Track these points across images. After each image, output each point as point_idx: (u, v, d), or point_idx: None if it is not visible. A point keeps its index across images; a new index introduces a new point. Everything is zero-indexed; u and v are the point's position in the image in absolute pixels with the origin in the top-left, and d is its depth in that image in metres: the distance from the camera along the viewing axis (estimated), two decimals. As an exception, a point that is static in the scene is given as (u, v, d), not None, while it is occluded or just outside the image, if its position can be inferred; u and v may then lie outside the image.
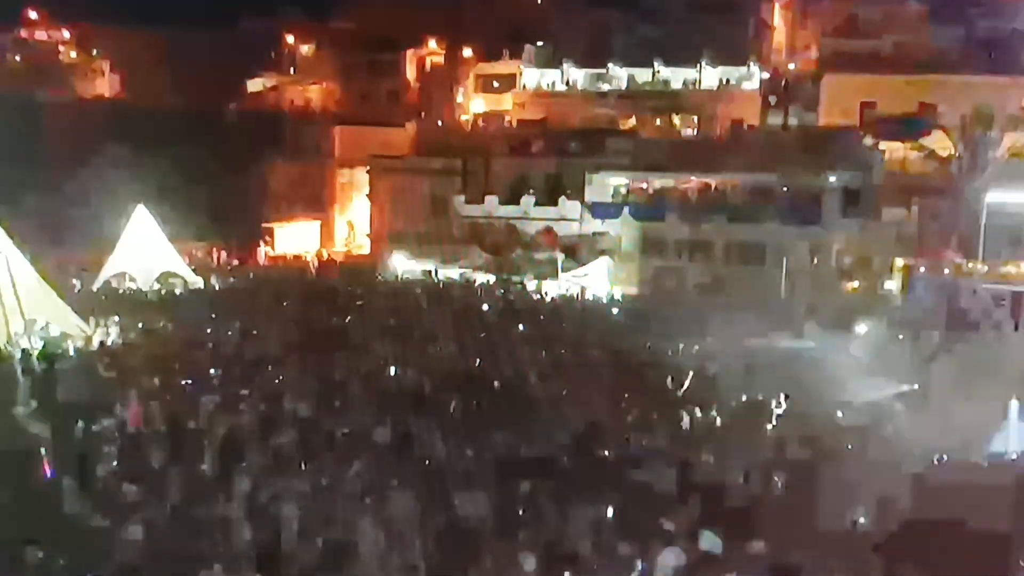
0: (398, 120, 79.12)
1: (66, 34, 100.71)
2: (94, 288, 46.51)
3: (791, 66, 78.43)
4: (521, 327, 39.94)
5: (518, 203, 61.26)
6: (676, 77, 73.96)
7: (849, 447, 24.67)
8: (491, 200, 62.25)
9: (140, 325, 37.59)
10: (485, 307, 45.52)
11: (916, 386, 31.01)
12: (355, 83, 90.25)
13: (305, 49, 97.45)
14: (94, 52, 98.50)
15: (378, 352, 33.89)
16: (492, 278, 54.17)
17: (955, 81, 62.41)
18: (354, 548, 17.37)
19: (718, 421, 27.28)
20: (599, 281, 54.21)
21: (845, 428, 26.71)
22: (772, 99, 71.26)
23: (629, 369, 32.67)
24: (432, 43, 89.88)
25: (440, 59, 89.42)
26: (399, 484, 19.90)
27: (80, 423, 23.74)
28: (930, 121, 59.60)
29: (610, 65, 75.53)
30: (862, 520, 19.27)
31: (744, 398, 29.37)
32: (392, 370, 31.40)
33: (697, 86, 73.39)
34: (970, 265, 39.22)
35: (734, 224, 54.44)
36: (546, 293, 51.00)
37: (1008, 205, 37.58)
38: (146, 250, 48.12)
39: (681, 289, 52.87)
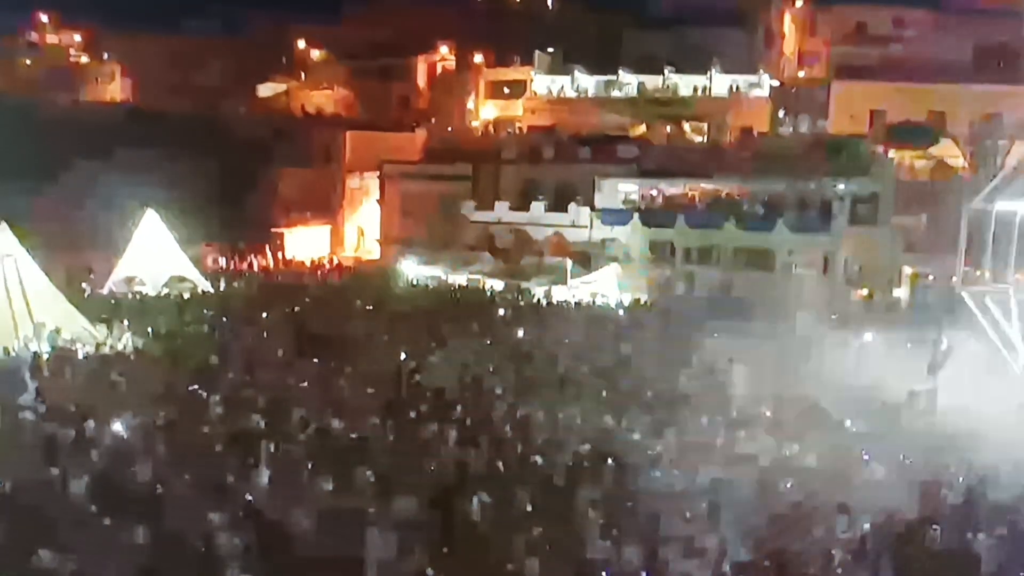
0: (409, 126, 79.30)
1: (77, 37, 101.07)
2: (103, 292, 46.61)
3: (801, 74, 78.51)
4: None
5: (528, 209, 61.30)
6: (686, 84, 74.02)
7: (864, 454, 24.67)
8: (501, 206, 62.27)
9: (149, 329, 37.68)
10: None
11: (923, 393, 31.02)
12: (366, 88, 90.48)
13: (316, 54, 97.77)
14: (105, 56, 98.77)
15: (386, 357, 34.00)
16: (502, 284, 54.27)
17: (964, 89, 62.41)
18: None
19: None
20: (608, 287, 54.24)
21: (854, 435, 26.72)
22: (781, 107, 71.25)
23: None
24: (443, 49, 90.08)
25: (451, 65, 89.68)
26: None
27: (90, 426, 23.86)
28: (939, 129, 59.55)
29: (620, 72, 75.59)
30: (867, 527, 19.32)
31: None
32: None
33: (707, 93, 73.42)
34: (978, 273, 39.10)
35: (743, 231, 54.41)
36: (550, 299, 51.09)
37: (1017, 214, 37.43)
38: (155, 254, 48.23)
39: (690, 295, 52.86)
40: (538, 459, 23.00)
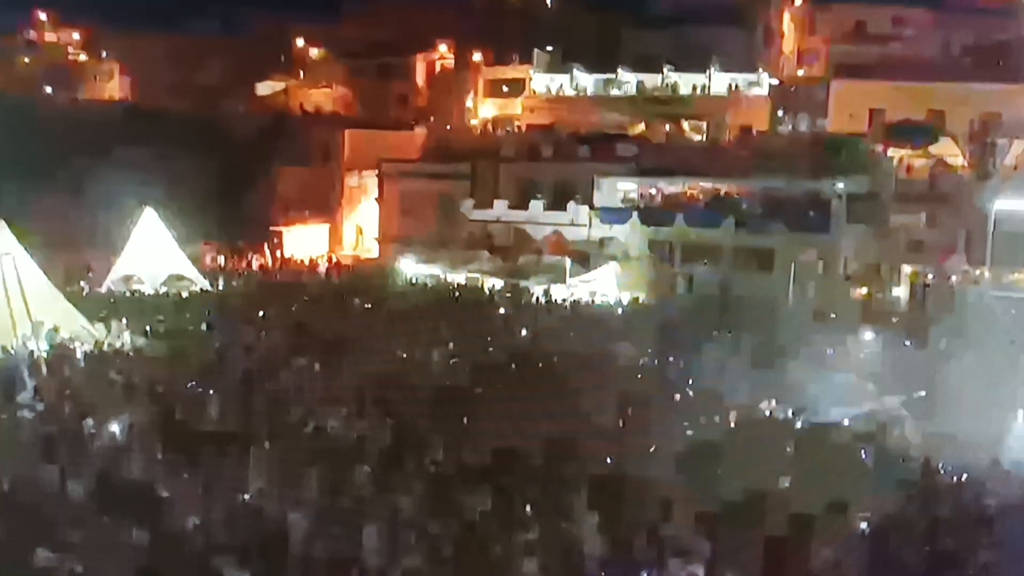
0: (407, 124, 79.23)
1: (76, 36, 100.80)
2: (102, 290, 46.59)
3: (800, 72, 78.45)
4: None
5: (527, 208, 61.28)
6: (685, 83, 73.96)
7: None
8: (500, 204, 62.23)
9: (148, 328, 37.64)
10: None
11: (923, 394, 31.00)
12: (365, 87, 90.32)
13: (315, 53, 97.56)
14: (103, 54, 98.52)
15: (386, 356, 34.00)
16: (500, 282, 54.19)
17: (964, 88, 62.27)
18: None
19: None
20: (607, 286, 54.16)
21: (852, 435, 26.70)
22: (781, 105, 71.18)
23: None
24: (442, 47, 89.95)
25: (450, 63, 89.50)
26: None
27: (89, 424, 23.86)
28: (939, 128, 59.49)
29: (619, 70, 75.55)
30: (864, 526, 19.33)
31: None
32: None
33: (706, 92, 73.36)
34: (978, 273, 39.19)
35: (742, 230, 54.37)
36: (549, 297, 51.00)
37: (1016, 213, 37.49)
38: (154, 253, 48.17)
39: (689, 294, 52.82)
40: (537, 458, 22.98)
